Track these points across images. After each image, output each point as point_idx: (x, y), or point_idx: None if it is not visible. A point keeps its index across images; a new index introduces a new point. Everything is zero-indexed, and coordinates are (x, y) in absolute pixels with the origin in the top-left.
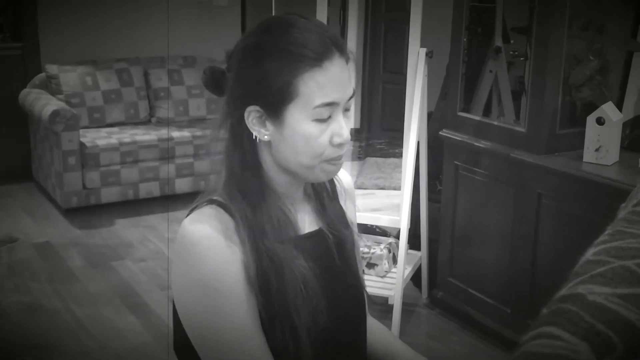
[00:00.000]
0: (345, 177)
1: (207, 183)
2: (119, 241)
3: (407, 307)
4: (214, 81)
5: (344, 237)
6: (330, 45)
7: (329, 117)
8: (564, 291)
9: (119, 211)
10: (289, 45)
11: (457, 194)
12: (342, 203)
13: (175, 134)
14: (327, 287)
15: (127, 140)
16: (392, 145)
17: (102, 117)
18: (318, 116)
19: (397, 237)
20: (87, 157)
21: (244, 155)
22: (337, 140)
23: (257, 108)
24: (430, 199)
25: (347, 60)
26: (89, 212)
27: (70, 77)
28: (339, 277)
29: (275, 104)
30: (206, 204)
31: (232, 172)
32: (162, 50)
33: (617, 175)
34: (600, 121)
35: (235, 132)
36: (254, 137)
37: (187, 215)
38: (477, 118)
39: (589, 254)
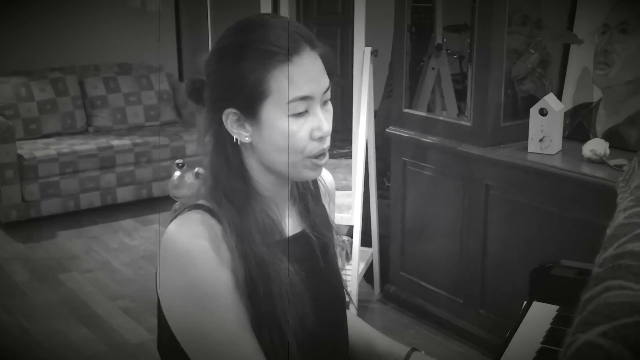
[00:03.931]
0: (327, 176)
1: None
2: (63, 253)
3: (361, 303)
4: (196, 91)
5: (327, 239)
6: (299, 40)
7: (306, 111)
8: (611, 251)
9: (60, 223)
10: (259, 44)
11: (406, 189)
12: (325, 204)
13: (115, 142)
14: (312, 289)
15: (66, 150)
16: (332, 145)
17: (38, 128)
18: (294, 111)
19: (347, 235)
20: (25, 170)
21: (228, 159)
22: (316, 134)
23: (234, 110)
24: (379, 196)
25: (320, 53)
26: (29, 225)
27: (3, 88)
28: (323, 278)
29: (250, 104)
30: (192, 209)
31: (218, 177)
32: (97, 58)
33: (562, 164)
34: (543, 112)
35: (218, 137)
36: (235, 140)
37: (172, 220)
38: (423, 114)
39: (620, 218)
